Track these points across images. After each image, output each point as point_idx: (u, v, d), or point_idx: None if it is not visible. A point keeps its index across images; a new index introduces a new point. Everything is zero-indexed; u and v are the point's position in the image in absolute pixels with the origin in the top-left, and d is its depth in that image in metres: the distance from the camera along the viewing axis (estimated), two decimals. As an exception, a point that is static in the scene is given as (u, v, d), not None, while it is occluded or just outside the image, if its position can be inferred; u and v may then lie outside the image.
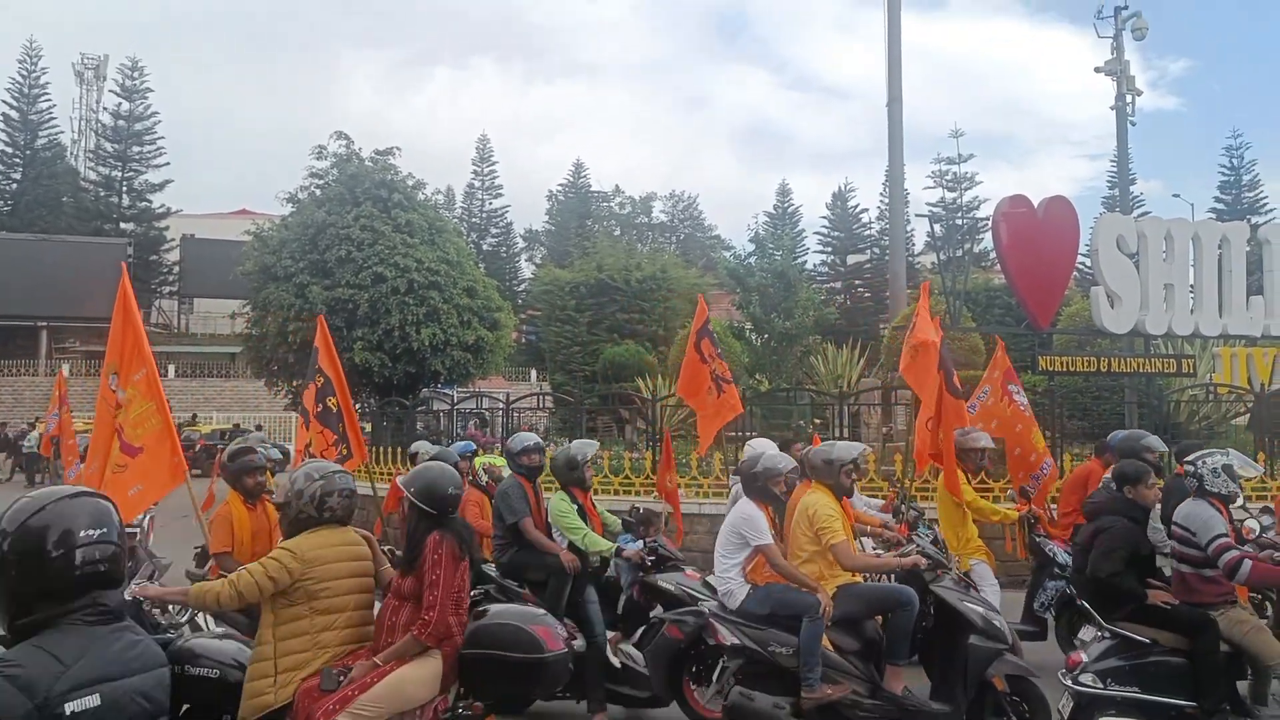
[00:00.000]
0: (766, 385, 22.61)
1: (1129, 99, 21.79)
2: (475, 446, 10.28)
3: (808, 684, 6.00)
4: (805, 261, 51.03)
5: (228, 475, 7.24)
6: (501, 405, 19.05)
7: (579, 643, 7.12)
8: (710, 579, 7.45)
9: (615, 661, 7.27)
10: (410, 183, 24.80)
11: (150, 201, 55.52)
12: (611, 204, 68.70)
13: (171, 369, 45.39)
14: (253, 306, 24.62)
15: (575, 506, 7.51)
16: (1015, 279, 15.21)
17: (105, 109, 56.85)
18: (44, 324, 45.87)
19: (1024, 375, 20.66)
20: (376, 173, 24.14)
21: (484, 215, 63.65)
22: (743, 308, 30.15)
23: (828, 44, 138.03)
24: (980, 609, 6.38)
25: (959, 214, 46.11)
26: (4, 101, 53.03)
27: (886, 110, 27.05)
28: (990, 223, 15.28)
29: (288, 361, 23.04)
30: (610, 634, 7.36)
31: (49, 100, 54.32)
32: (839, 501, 6.55)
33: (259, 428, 34.10)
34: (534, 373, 48.23)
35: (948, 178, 45.12)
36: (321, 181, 24.60)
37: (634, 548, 7.53)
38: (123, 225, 54.02)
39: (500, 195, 64.27)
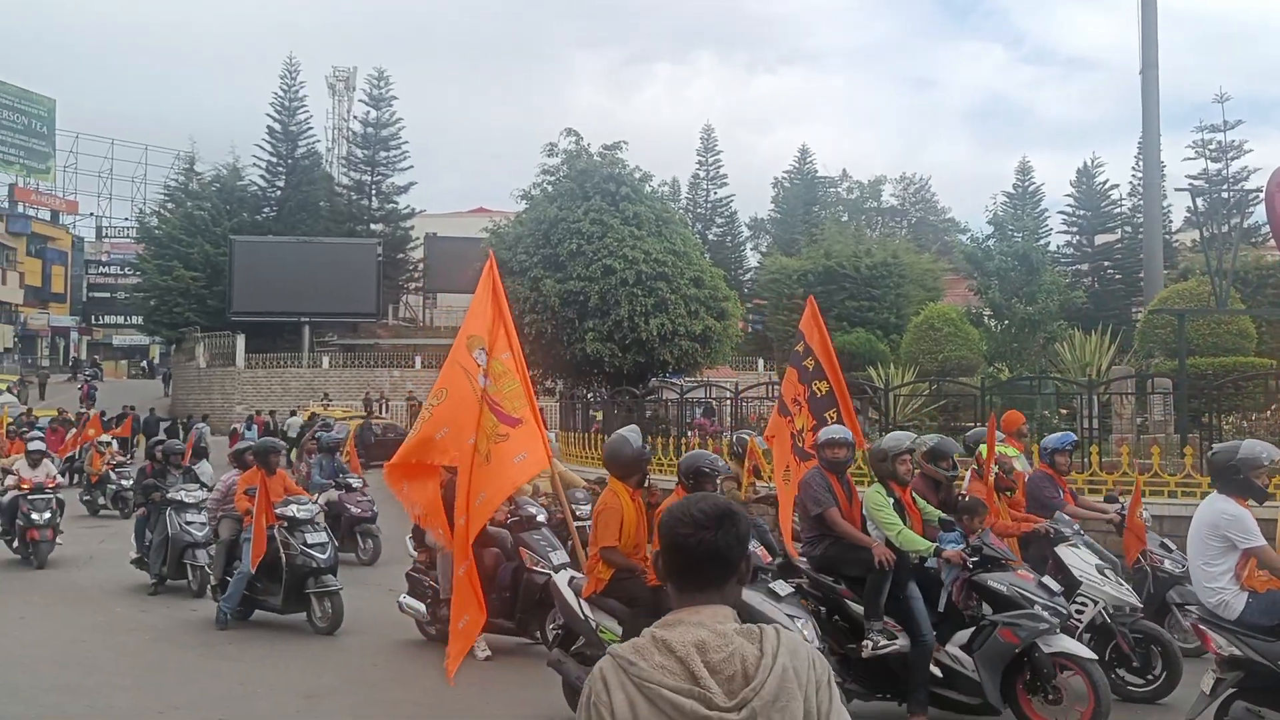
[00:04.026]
0: (1007, 373, 21.51)
1: None
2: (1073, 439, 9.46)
3: None
4: (1048, 243, 48.33)
5: (635, 466, 7.23)
6: (730, 395, 18.97)
7: (901, 642, 6.77)
8: (1046, 579, 6.99)
9: (936, 671, 6.84)
10: (637, 175, 25.10)
11: (397, 203, 58.86)
12: (839, 189, 67.40)
13: (419, 360, 47.99)
14: (491, 300, 25.59)
15: (891, 500, 7.08)
16: (1295, 255, 13.76)
17: (355, 118, 60.75)
18: (306, 320, 49.45)
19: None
20: (605, 167, 24.57)
21: (709, 205, 63.78)
22: (981, 293, 28.87)
23: (1070, 13, 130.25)
24: None
25: (1224, 186, 42.32)
26: (269, 115, 57.51)
27: (1140, 78, 25.19)
28: (1263, 194, 13.88)
29: (524, 353, 23.78)
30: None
31: (306, 112, 58.48)
32: None
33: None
34: (761, 362, 47.96)
35: (1211, 147, 41.60)
36: (553, 178, 25.29)
37: (956, 548, 6.95)
38: (373, 226, 57.52)
39: (725, 184, 64.24)
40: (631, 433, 7.49)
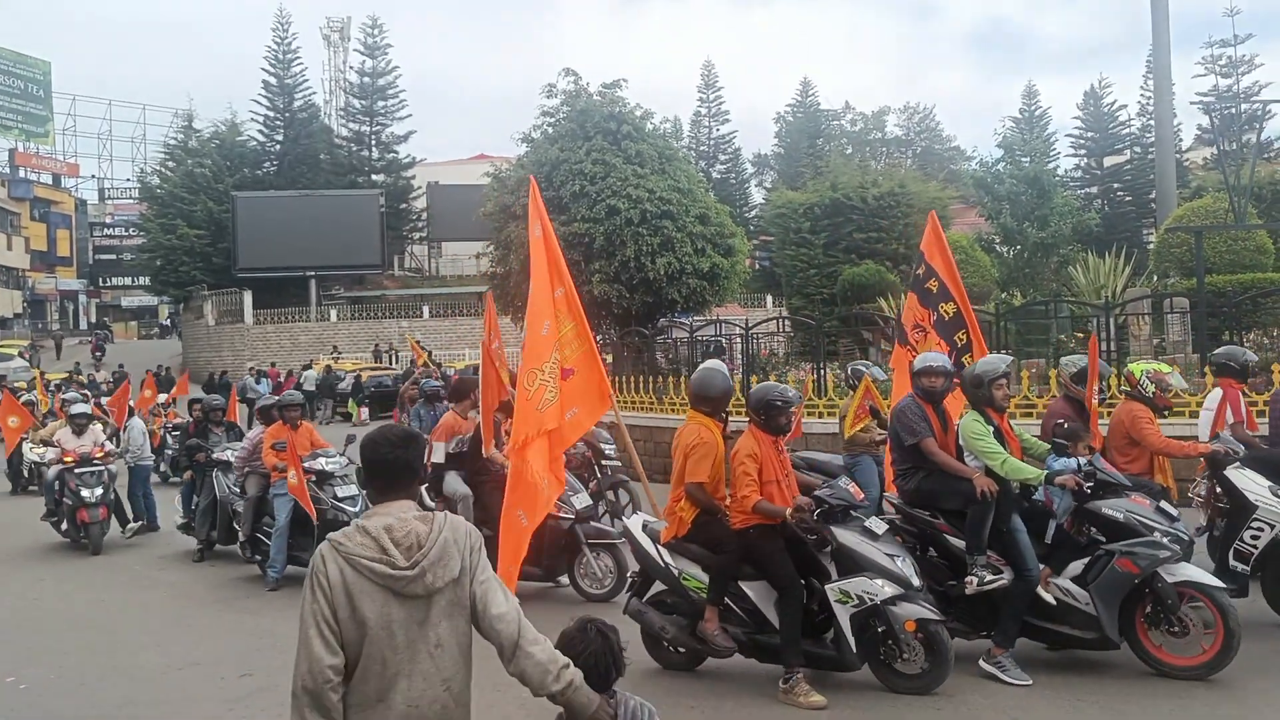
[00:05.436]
0: (1020, 299, 21.28)
1: None
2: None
3: None
4: (1057, 167, 47.67)
5: (725, 400, 6.91)
6: (740, 331, 18.78)
7: (1006, 576, 6.42)
8: (1164, 504, 6.57)
9: (1049, 598, 6.44)
10: (638, 114, 24.66)
11: (397, 153, 58.45)
12: (842, 121, 66.56)
13: (426, 309, 47.87)
14: (495, 246, 25.36)
15: (991, 428, 6.64)
16: (1315, 165, 13.43)
17: (351, 68, 60.12)
18: (312, 274, 49.27)
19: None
20: (605, 106, 24.12)
21: (712, 142, 63.11)
22: (991, 218, 28.48)
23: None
24: None
25: (1236, 102, 41.57)
26: (264, 70, 56.95)
27: (1149, -9, 24.63)
28: (1283, 104, 13.48)
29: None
30: (1042, 568, 6.50)
31: (301, 64, 57.88)
32: None
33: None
34: (770, 298, 47.71)
35: (1221, 63, 40.74)
36: (553, 119, 24.86)
37: (1068, 473, 6.47)
38: (374, 177, 57.15)
39: (727, 121, 63.55)
40: (719, 364, 7.16)
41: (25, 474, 18.47)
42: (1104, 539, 6.49)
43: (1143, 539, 6.28)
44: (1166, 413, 8.01)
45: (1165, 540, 6.25)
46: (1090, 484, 6.47)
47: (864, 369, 9.83)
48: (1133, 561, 6.24)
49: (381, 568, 2.98)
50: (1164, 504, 6.56)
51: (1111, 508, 6.47)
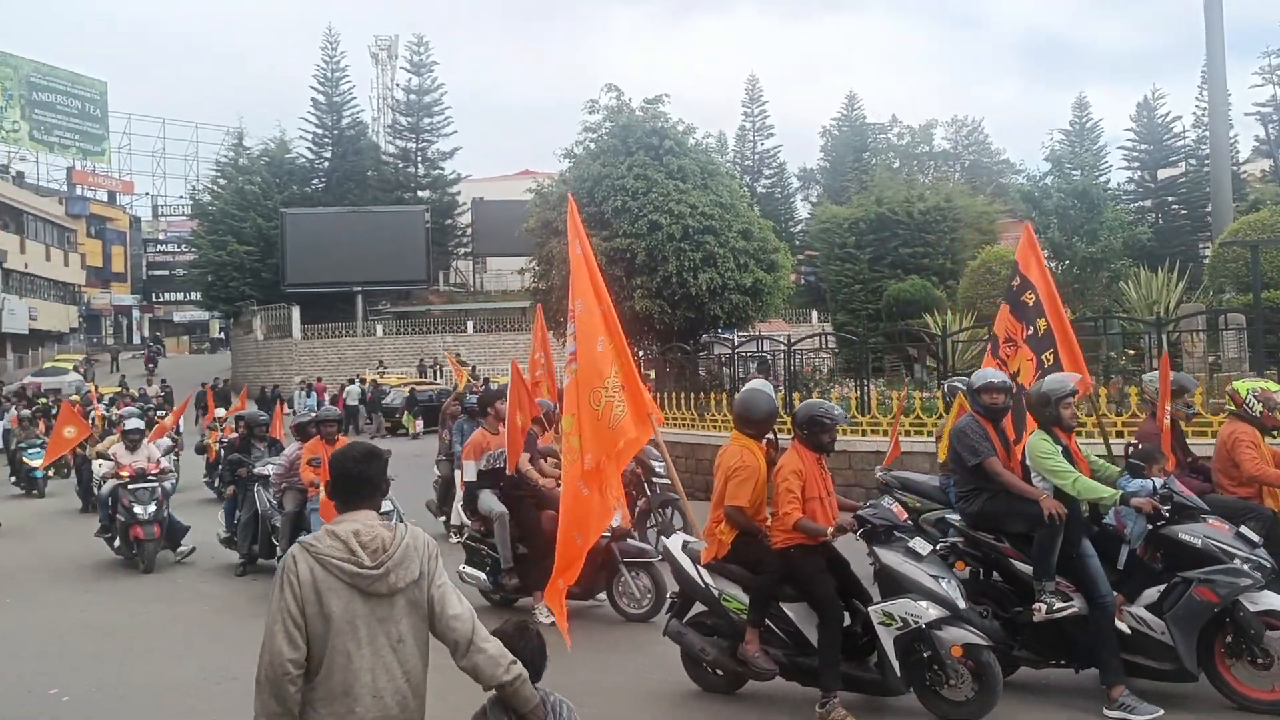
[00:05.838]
0: (1070, 315, 20.89)
1: None
2: None
3: None
4: (1109, 180, 46.93)
5: (770, 422, 6.80)
6: (784, 347, 18.61)
7: (1076, 603, 6.19)
8: (1244, 529, 6.27)
9: (1123, 627, 6.16)
10: (680, 128, 24.64)
11: (443, 169, 58.94)
12: (889, 135, 66.10)
13: (470, 324, 48.14)
14: (538, 261, 25.42)
15: (1060, 448, 6.37)
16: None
17: (398, 85, 60.79)
18: (359, 289, 49.73)
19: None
20: (647, 121, 24.13)
21: (756, 157, 62.98)
22: (1040, 232, 28.09)
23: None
24: None
25: (1294, 112, 40.74)
26: (313, 88, 57.75)
27: (1203, 2, 24.18)
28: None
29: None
30: (1115, 595, 6.24)
31: (349, 82, 58.61)
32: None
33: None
34: (814, 313, 47.42)
35: (1279, 72, 39.91)
36: (595, 135, 24.91)
37: (1144, 495, 6.19)
38: (420, 193, 57.64)
39: (772, 135, 63.43)
40: (765, 385, 7.05)
41: (96, 491, 18.41)
42: (1176, 564, 6.22)
43: (1222, 566, 6.00)
44: (1275, 433, 7.58)
45: (1246, 567, 5.97)
46: (1167, 507, 6.19)
47: (960, 386, 9.62)
48: (1212, 590, 5.96)
49: (350, 567, 3.28)
50: (1245, 529, 6.25)
51: (1188, 533, 6.18)
